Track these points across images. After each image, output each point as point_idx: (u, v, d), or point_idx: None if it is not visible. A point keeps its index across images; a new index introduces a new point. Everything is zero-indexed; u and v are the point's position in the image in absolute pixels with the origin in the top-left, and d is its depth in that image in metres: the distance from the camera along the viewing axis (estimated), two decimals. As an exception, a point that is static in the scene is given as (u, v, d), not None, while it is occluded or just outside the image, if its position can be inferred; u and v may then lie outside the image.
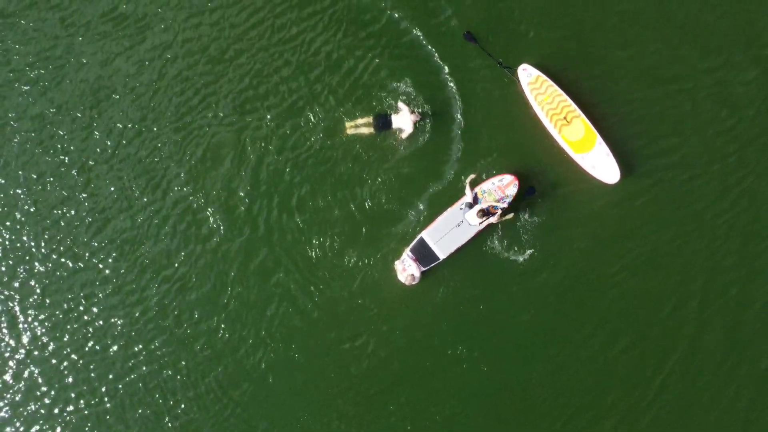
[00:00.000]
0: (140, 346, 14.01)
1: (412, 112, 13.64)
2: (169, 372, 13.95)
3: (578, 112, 13.54)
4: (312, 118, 14.08)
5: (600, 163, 13.59)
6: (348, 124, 13.81)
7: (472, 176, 13.65)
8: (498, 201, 13.51)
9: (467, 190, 13.49)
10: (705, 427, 13.63)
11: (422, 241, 13.53)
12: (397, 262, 13.55)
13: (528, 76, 13.68)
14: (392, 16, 14.19)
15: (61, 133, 14.40)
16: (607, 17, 14.12)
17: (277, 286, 13.96)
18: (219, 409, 13.97)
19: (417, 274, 13.41)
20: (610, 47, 14.03)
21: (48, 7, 14.50)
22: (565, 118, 13.64)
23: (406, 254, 13.54)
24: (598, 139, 13.53)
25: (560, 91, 13.54)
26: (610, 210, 13.94)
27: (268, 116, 14.13)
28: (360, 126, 13.76)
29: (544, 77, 13.59)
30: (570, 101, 13.52)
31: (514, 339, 13.77)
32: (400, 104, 13.78)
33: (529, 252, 13.77)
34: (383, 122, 13.70)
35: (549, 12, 14.06)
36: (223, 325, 14.01)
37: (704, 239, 13.77)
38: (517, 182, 13.54)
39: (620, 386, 13.72)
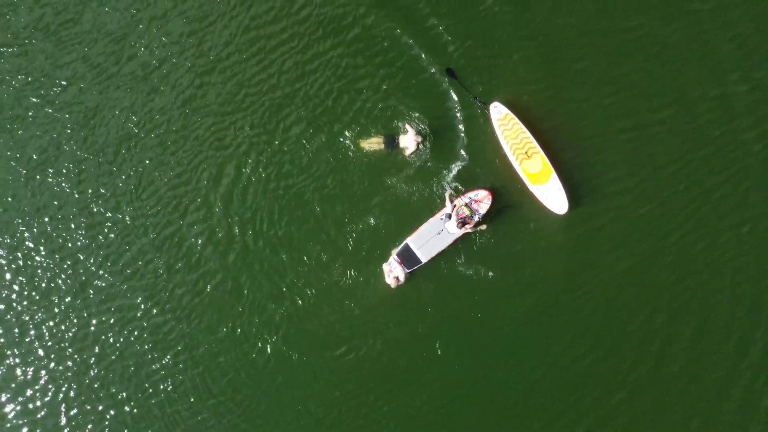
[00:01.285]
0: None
1: (416, 134, 15.85)
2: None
3: (538, 148, 15.43)
4: (324, 137, 16.39)
5: (552, 195, 15.47)
6: (363, 142, 16.11)
7: (451, 191, 15.68)
8: (473, 213, 15.35)
9: (447, 202, 15.45)
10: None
11: (407, 247, 15.63)
12: (384, 265, 15.76)
13: (498, 113, 15.58)
14: (402, 56, 16.34)
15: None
16: (571, 68, 16.01)
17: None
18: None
19: (402, 276, 15.49)
20: (573, 92, 15.93)
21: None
22: (526, 153, 15.45)
23: (393, 258, 15.62)
24: (553, 174, 15.41)
25: (524, 129, 15.45)
26: (556, 234, 16.04)
27: (304, 141, 16.52)
28: (373, 143, 16.06)
29: (512, 115, 15.49)
30: (532, 138, 15.44)
31: (492, 347, 16.04)
32: (406, 126, 16.01)
33: (491, 271, 15.86)
34: (391, 141, 15.96)
35: (524, 59, 16.02)
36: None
37: (656, 263, 15.94)
38: (490, 197, 15.55)
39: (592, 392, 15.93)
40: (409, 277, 15.55)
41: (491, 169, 15.92)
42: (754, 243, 15.58)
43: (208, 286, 16.33)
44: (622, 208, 15.85)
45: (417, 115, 16.07)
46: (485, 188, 15.46)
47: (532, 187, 15.47)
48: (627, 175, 15.88)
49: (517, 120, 15.35)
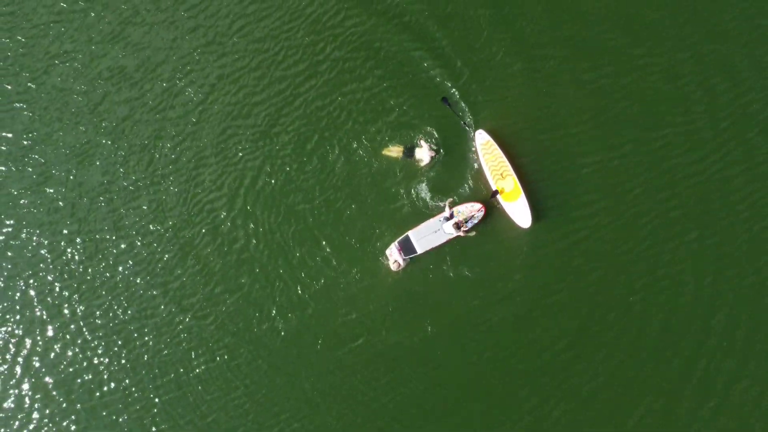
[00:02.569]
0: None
1: (430, 149, 19.07)
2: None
3: (511, 171, 18.52)
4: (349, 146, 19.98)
5: (519, 211, 18.51)
6: (385, 149, 19.40)
7: (452, 199, 18.86)
8: (467, 220, 17.80)
9: (447, 208, 18.54)
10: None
11: (408, 238, 18.89)
12: (387, 250, 18.92)
13: (482, 139, 18.74)
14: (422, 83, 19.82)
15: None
16: (546, 109, 19.29)
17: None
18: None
19: (401, 260, 18.56)
20: (546, 127, 19.22)
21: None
22: (501, 174, 18.63)
23: (394, 245, 18.74)
24: (522, 194, 18.39)
25: (502, 155, 18.56)
26: (530, 243, 19.20)
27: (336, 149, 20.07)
28: (393, 151, 19.36)
29: (492, 142, 18.65)
30: (507, 162, 18.55)
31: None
32: (421, 141, 19.18)
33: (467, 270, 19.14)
34: (409, 152, 19.17)
35: (510, 97, 19.37)
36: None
37: (612, 274, 18.93)
38: (483, 210, 18.35)
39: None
40: (408, 262, 18.68)
41: (480, 187, 19.30)
42: (703, 251, 18.57)
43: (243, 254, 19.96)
44: (590, 226, 18.96)
45: (434, 133, 19.26)
46: (480, 202, 18.66)
47: (504, 204, 18.56)
48: (593, 198, 19.00)
49: (496, 146, 18.48)
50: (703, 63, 19.06)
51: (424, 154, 18.92)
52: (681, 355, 18.37)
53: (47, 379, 19.95)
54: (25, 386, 19.98)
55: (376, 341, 19.08)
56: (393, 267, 18.70)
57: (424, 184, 19.19)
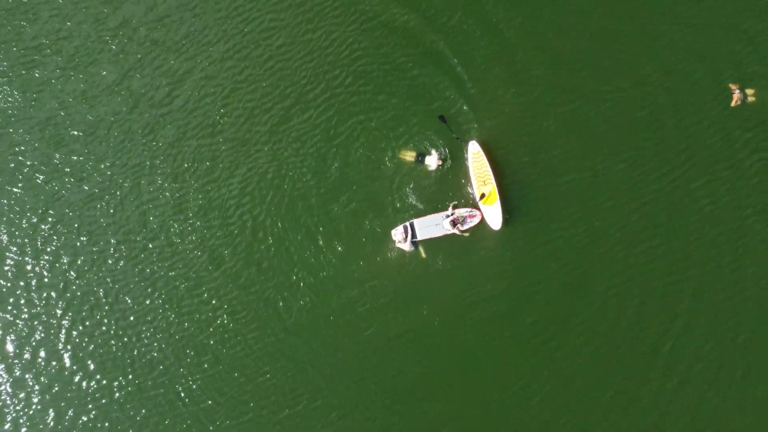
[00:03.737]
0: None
1: (438, 158, 22.17)
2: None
3: (492, 179, 21.32)
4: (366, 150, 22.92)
5: (493, 214, 21.41)
6: (401, 153, 22.45)
7: (455, 202, 22.00)
8: (464, 221, 21.01)
9: (450, 208, 21.62)
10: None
11: (412, 224, 21.83)
12: (393, 229, 21.96)
13: (474, 149, 21.72)
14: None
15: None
16: (531, 129, 22.21)
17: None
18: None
19: (402, 239, 21.47)
20: (528, 144, 22.18)
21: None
22: (484, 181, 21.54)
23: (401, 226, 21.79)
24: (498, 201, 21.20)
25: (488, 164, 21.35)
26: (513, 246, 22.10)
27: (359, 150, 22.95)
28: (407, 155, 22.45)
29: (482, 153, 21.46)
30: (490, 171, 21.30)
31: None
32: (432, 150, 22.35)
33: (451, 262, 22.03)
34: (421, 158, 22.33)
35: (500, 117, 22.36)
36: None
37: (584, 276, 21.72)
38: (480, 217, 21.47)
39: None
40: (411, 244, 21.44)
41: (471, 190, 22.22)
42: (666, 253, 21.38)
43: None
44: (564, 236, 21.64)
45: (443, 144, 22.24)
46: (479, 209, 21.66)
47: (482, 206, 21.50)
48: (570, 209, 21.74)
49: (485, 157, 21.29)
50: (670, 93, 21.96)
51: (432, 161, 21.97)
52: (649, 340, 20.98)
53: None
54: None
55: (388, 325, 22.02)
56: (395, 238, 21.50)
57: (428, 186, 22.13)
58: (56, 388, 22.21)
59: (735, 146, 21.07)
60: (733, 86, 21.20)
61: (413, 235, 21.56)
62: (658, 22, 22.13)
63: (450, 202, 21.78)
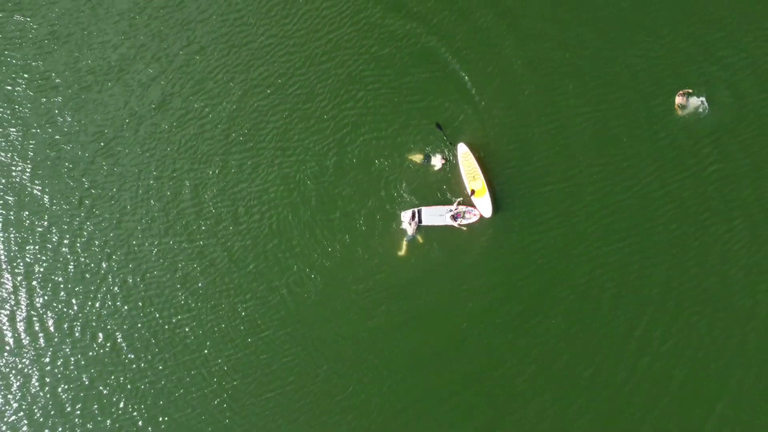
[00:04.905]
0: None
1: (442, 158, 25.20)
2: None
3: (481, 175, 24.18)
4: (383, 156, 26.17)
5: (484, 204, 24.32)
6: (410, 154, 25.40)
7: (461, 198, 24.99)
8: (465, 216, 24.42)
9: (455, 204, 24.72)
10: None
11: (420, 210, 24.78)
12: (402, 212, 24.82)
13: (462, 150, 24.72)
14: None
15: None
16: (513, 135, 24.92)
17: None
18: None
19: (408, 219, 24.54)
20: (514, 149, 24.87)
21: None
22: (473, 177, 24.44)
23: (410, 210, 24.82)
24: (487, 193, 24.20)
25: (476, 163, 24.20)
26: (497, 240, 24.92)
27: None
28: (416, 156, 25.55)
29: (470, 153, 24.38)
30: (479, 169, 24.19)
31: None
32: (437, 152, 25.52)
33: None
34: (428, 158, 25.44)
35: (488, 126, 25.14)
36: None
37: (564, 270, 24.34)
38: (479, 216, 24.50)
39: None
40: (415, 227, 24.43)
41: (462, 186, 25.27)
42: (637, 250, 23.83)
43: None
44: (545, 233, 24.18)
45: (448, 145, 25.26)
46: (474, 206, 24.59)
47: (474, 199, 24.39)
48: (550, 215, 24.33)
49: (473, 157, 24.16)
50: (646, 113, 24.46)
51: (437, 161, 25.13)
52: (624, 324, 23.38)
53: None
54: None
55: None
56: (403, 219, 24.60)
57: (433, 182, 25.24)
58: (102, 368, 25.75)
59: (698, 157, 24.09)
60: (679, 97, 24.02)
61: (419, 220, 24.44)
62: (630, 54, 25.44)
63: (456, 199, 24.68)
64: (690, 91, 23.98)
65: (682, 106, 24.03)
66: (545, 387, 23.53)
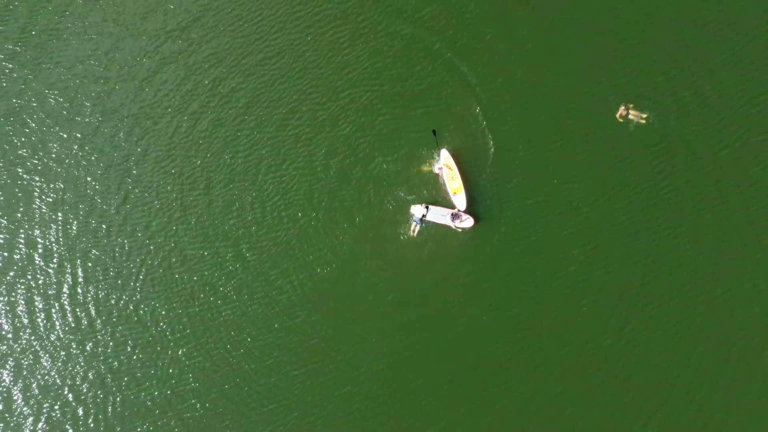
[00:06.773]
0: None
1: (438, 167, 29.58)
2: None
3: (458, 176, 28.92)
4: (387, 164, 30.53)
5: (460, 200, 28.85)
6: (423, 166, 29.89)
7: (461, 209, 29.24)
8: (461, 219, 28.57)
9: (457, 209, 28.94)
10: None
11: (428, 206, 29.20)
12: (413, 206, 29.42)
13: (445, 154, 29.25)
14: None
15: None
16: (485, 145, 29.49)
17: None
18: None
19: (416, 211, 29.02)
20: (488, 154, 29.43)
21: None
22: (452, 177, 29.03)
23: (420, 205, 29.15)
24: (463, 191, 28.79)
25: (454, 165, 28.86)
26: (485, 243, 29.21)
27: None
28: (427, 168, 29.81)
29: (450, 157, 29.06)
30: (457, 170, 28.87)
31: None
32: (436, 159, 29.81)
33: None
34: (438, 168, 29.71)
35: (470, 135, 29.72)
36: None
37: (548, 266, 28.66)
38: (473, 222, 28.64)
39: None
40: (420, 220, 28.64)
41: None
42: (613, 256, 27.96)
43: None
44: (530, 240, 28.49)
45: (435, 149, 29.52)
46: (474, 217, 28.82)
47: (452, 196, 28.86)
48: (533, 225, 28.62)
49: (452, 160, 28.83)
50: (615, 144, 28.58)
51: (437, 167, 29.33)
52: (604, 316, 27.71)
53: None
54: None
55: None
56: (412, 211, 28.97)
57: (438, 186, 29.58)
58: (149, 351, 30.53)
59: (652, 171, 28.13)
60: (623, 108, 28.27)
61: (425, 214, 28.74)
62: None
63: (457, 204, 28.93)
64: (631, 105, 28.41)
65: (623, 117, 28.46)
66: (533, 367, 27.70)
